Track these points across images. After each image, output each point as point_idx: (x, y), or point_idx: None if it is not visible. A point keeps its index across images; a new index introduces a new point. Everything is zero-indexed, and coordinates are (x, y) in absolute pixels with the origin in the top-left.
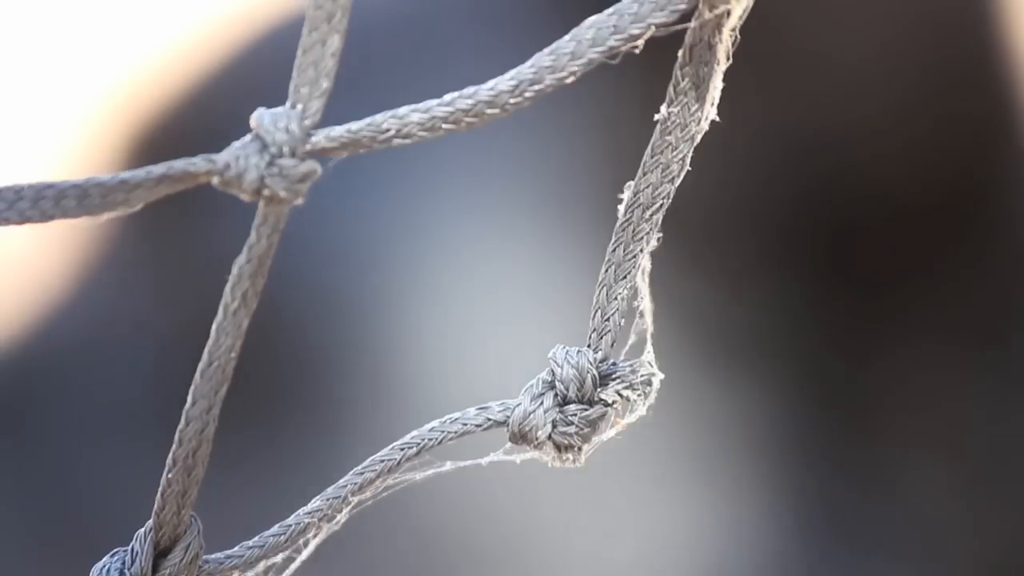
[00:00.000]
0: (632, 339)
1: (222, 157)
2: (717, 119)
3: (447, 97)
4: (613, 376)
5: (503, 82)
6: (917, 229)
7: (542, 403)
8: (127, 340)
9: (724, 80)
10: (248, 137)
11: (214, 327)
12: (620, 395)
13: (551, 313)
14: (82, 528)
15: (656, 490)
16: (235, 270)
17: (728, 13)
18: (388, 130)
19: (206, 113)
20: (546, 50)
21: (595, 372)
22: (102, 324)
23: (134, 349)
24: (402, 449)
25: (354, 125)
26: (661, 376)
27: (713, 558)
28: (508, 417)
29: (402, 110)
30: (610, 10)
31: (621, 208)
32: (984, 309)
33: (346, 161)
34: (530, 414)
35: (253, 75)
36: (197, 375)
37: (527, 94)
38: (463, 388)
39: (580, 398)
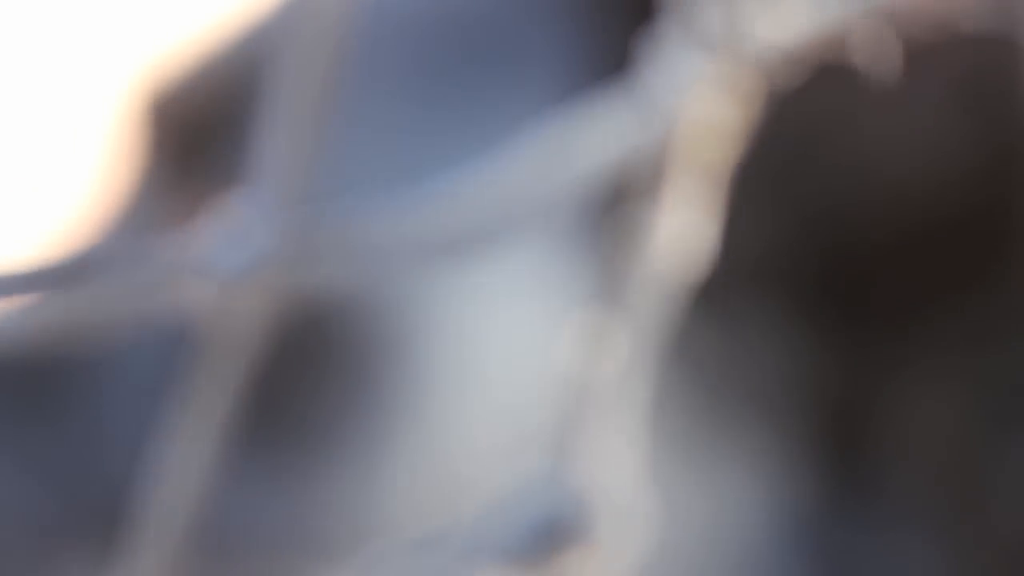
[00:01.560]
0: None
1: (189, 245)
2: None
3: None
4: (586, 509)
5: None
6: (938, 270)
7: (508, 531)
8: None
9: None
10: (216, 227)
11: (181, 441)
12: (594, 531)
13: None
14: (101, 509)
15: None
16: (198, 392)
17: (676, 152)
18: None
19: (230, 82)
20: (501, 183)
21: (566, 506)
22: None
23: (156, 330)
24: None
25: (328, 223)
26: (646, 511)
27: None
28: (473, 547)
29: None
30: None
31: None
32: (1009, 351)
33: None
34: (496, 541)
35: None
36: (151, 516)
37: (477, 240)
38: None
39: (548, 532)
